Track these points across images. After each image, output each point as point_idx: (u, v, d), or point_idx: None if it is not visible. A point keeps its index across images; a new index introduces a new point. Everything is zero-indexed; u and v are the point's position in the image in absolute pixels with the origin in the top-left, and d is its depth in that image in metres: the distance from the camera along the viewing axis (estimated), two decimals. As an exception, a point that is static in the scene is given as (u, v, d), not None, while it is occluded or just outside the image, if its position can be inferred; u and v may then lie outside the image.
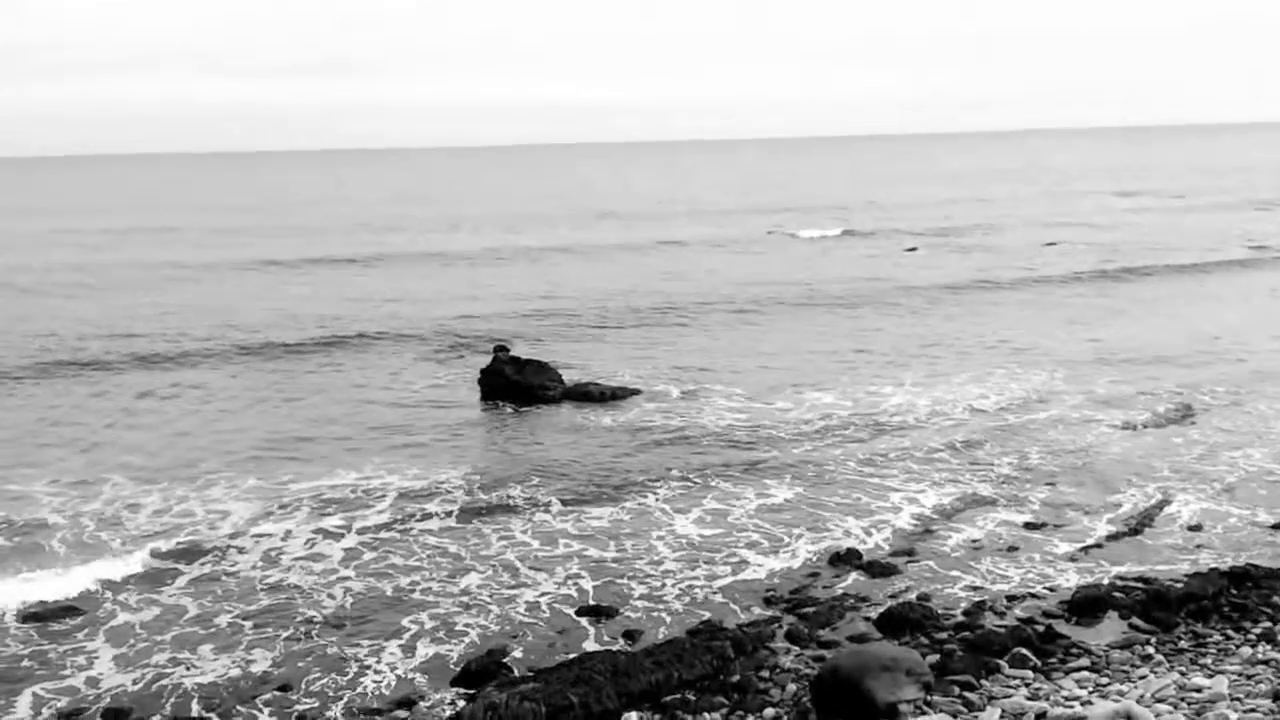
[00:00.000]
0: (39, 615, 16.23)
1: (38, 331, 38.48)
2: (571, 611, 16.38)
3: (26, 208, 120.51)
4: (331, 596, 17.04)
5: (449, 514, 20.46)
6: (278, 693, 14.12)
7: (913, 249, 63.26)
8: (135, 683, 14.42)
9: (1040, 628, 15.15)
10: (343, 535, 19.44)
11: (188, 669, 14.76)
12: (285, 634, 15.74)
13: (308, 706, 13.82)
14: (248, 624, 16.12)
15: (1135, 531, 19.17)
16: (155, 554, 18.51)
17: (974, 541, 18.90)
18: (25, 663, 14.95)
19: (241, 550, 18.78)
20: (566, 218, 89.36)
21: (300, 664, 14.86)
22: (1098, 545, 18.59)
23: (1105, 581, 16.87)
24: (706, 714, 13.16)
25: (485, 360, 31.01)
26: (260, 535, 19.44)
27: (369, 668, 14.75)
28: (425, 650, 15.24)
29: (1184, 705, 12.11)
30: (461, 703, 13.62)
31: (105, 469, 23.12)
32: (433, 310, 42.46)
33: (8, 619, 16.18)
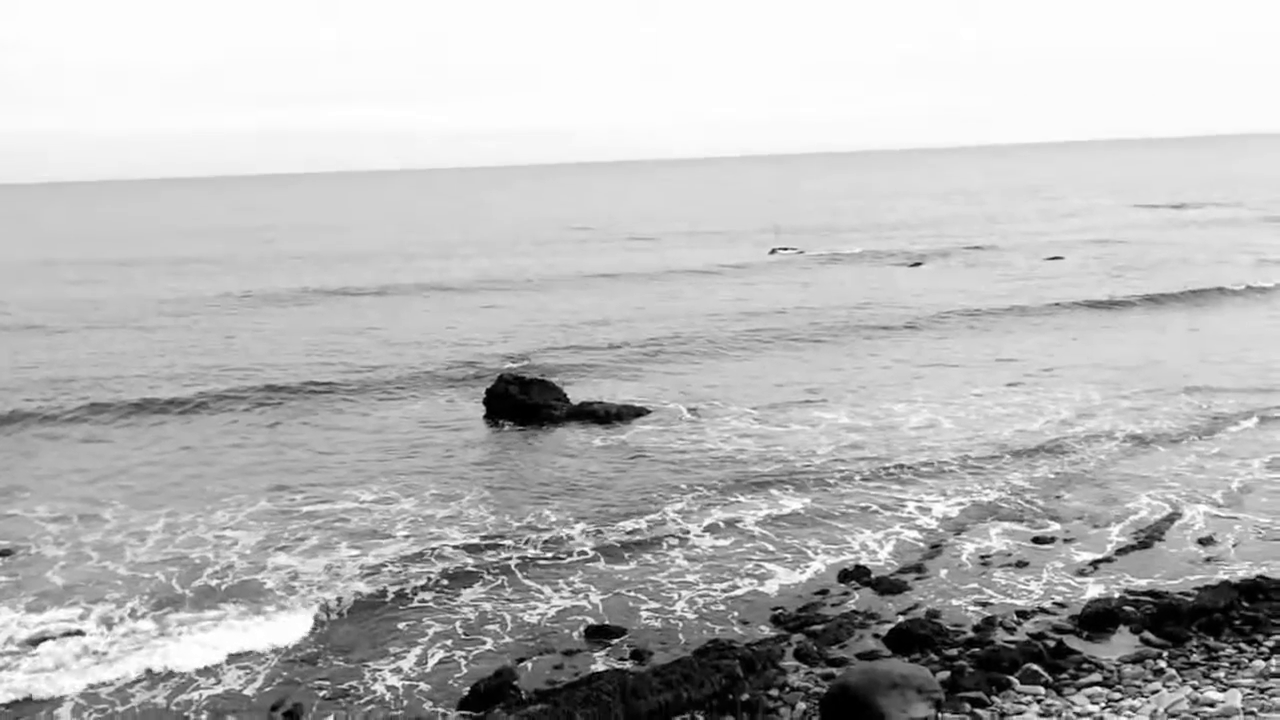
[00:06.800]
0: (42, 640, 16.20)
1: (21, 366, 37.82)
2: (580, 629, 16.29)
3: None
4: (340, 616, 16.99)
5: (458, 532, 20.40)
6: (284, 718, 14.05)
7: (918, 264, 63.31)
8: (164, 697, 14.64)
9: (1051, 643, 15.03)
10: (355, 555, 19.37)
11: (216, 681, 14.85)
12: (293, 655, 15.71)
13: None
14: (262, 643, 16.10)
15: (1146, 544, 19.05)
16: (164, 578, 18.48)
17: (983, 556, 18.79)
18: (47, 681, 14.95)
19: (255, 573, 18.72)
20: (560, 241, 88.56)
21: (306, 687, 14.80)
22: (1108, 559, 18.47)
23: (1116, 595, 16.75)
24: (716, 733, 13.09)
25: (489, 382, 30.95)
26: (270, 558, 19.40)
27: (375, 689, 14.67)
28: (432, 671, 15.15)
29: None
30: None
31: (105, 502, 22.88)
32: (433, 337, 42.21)
33: (13, 647, 16.11)
